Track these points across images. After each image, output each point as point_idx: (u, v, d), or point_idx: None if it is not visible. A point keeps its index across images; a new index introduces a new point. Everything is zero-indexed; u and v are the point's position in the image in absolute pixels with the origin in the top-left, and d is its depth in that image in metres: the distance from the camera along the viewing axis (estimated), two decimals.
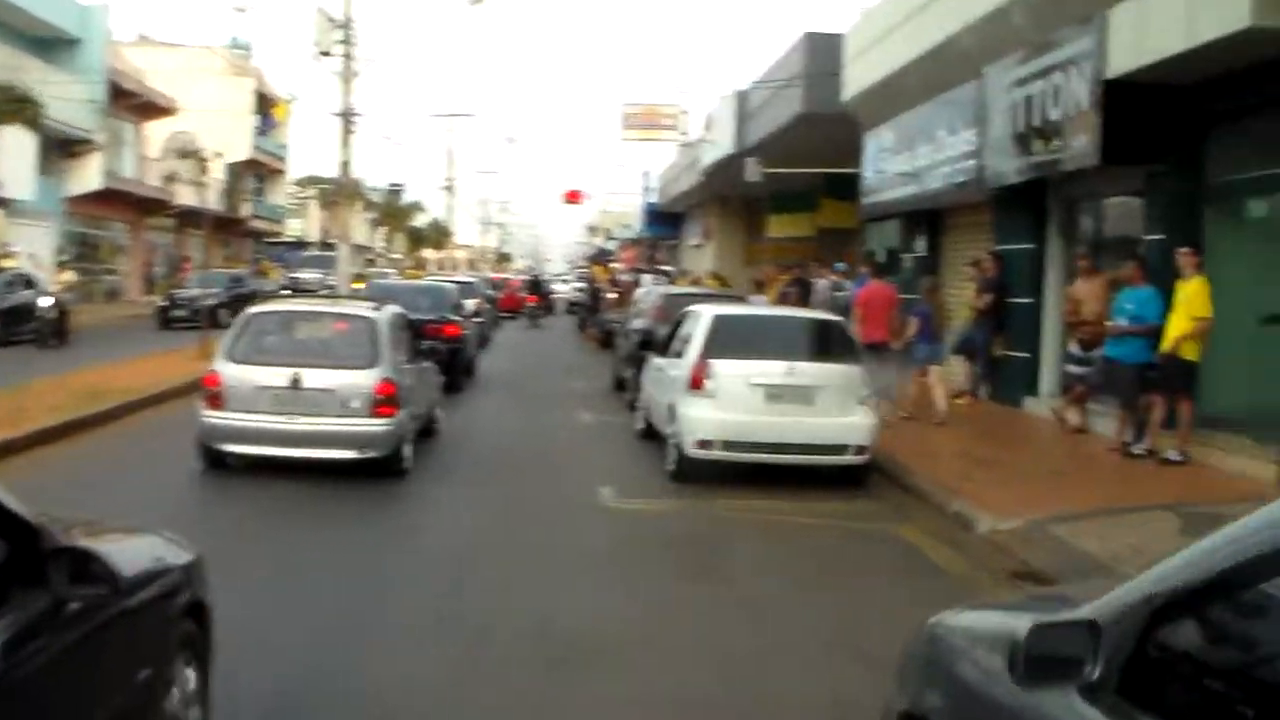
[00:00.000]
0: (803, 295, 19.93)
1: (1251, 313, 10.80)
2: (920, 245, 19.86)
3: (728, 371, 10.50)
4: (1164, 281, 11.53)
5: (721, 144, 30.81)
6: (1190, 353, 10.73)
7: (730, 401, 10.41)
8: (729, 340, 10.85)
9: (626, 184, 64.54)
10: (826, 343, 11.24)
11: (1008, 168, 14.31)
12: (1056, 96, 12.64)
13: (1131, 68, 11.25)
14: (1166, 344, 10.80)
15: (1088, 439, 12.74)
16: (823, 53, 22.08)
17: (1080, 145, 12.05)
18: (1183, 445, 10.86)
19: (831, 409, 10.49)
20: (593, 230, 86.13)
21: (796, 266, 23.22)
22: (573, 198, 58.99)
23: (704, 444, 10.42)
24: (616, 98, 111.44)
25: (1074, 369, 13.08)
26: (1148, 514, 8.79)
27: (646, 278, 29.37)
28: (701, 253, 43.41)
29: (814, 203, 28.66)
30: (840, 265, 21.80)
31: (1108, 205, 14.46)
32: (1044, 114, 12.99)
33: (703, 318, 11.34)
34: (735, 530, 9.26)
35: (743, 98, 29.06)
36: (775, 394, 10.48)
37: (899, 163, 18.68)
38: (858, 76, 20.27)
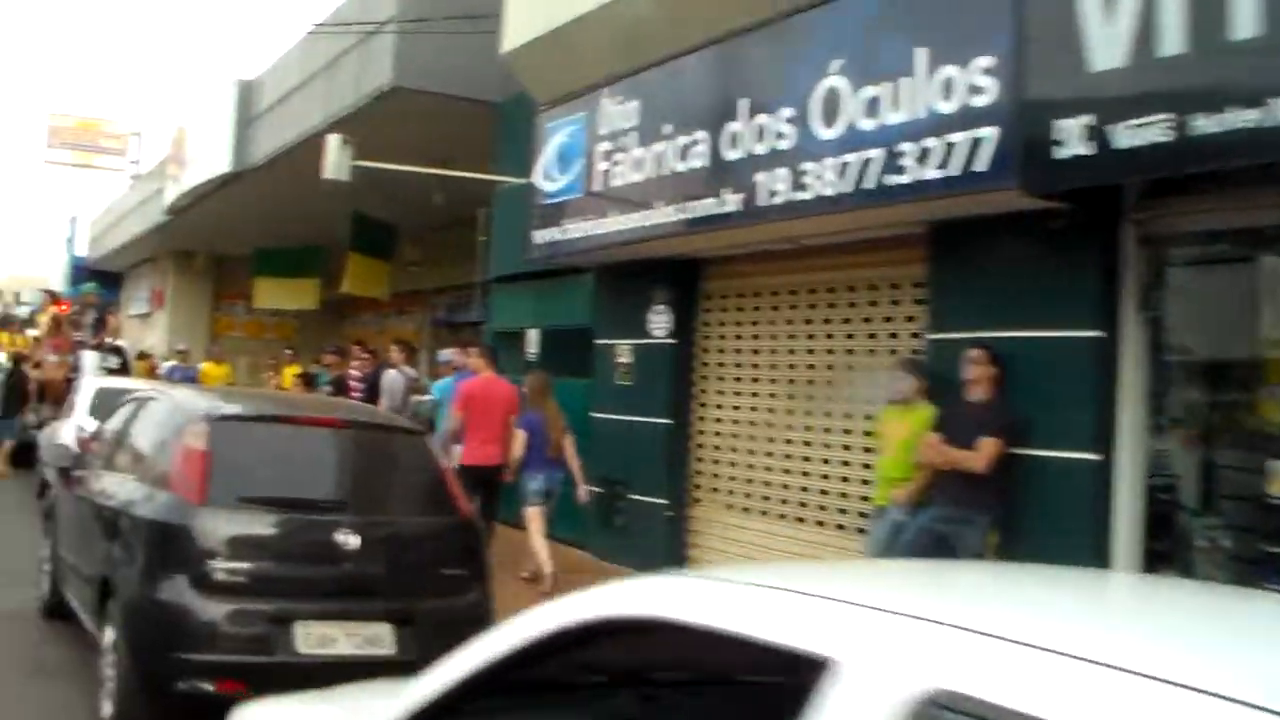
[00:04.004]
0: (369, 397, 11.68)
1: None
2: (660, 323, 10.72)
3: None
4: None
5: (205, 165, 20.80)
6: None
7: None
8: None
9: (46, 231, 50.75)
10: None
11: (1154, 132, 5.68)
12: None
13: None
14: None
15: None
16: None
17: None
18: None
19: None
20: None
21: (334, 351, 13.99)
22: None
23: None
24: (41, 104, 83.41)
25: None
26: None
27: (90, 357, 18.19)
28: (148, 324, 32.62)
29: (321, 263, 22.08)
30: (445, 354, 13.49)
31: None
32: None
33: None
34: None
35: (248, 90, 19.50)
36: None
37: (660, 153, 9.41)
38: (539, 6, 10.86)
